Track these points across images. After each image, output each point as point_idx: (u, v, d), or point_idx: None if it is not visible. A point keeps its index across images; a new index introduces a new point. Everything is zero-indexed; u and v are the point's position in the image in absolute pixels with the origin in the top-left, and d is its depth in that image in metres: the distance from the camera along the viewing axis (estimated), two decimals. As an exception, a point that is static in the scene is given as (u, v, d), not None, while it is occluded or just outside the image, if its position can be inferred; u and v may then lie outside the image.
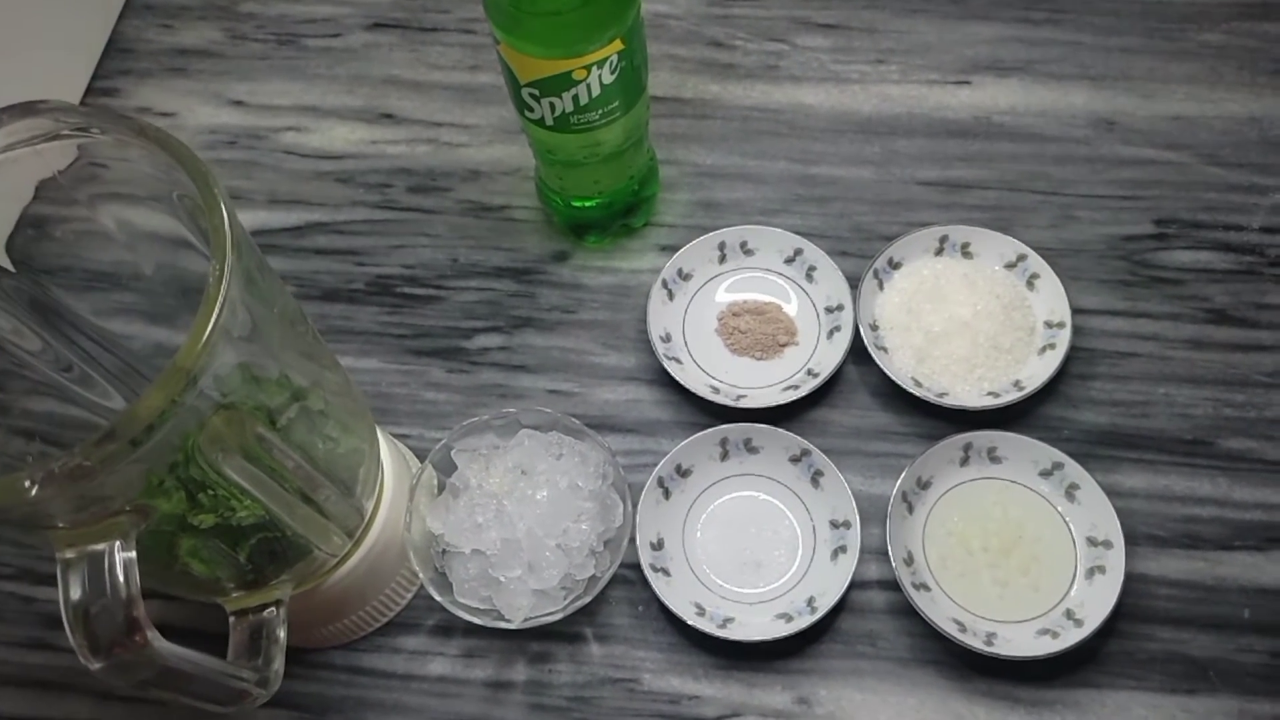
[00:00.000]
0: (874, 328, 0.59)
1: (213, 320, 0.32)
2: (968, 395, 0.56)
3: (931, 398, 0.56)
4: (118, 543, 0.33)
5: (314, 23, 0.74)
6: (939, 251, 0.60)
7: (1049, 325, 0.58)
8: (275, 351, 0.40)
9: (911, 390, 0.56)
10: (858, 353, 0.58)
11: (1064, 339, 0.57)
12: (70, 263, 0.47)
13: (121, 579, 0.33)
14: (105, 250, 0.46)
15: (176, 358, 0.32)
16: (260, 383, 0.39)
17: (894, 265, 0.60)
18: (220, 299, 0.32)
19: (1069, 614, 0.51)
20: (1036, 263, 0.59)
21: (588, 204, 0.61)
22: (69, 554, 0.33)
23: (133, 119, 0.35)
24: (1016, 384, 0.56)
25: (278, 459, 0.39)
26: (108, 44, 0.73)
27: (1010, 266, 0.60)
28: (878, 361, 0.57)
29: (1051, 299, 0.58)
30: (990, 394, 0.56)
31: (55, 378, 0.45)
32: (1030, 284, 0.59)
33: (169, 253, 0.43)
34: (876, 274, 0.60)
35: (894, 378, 0.56)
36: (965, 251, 0.60)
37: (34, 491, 0.30)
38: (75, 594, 0.33)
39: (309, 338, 0.45)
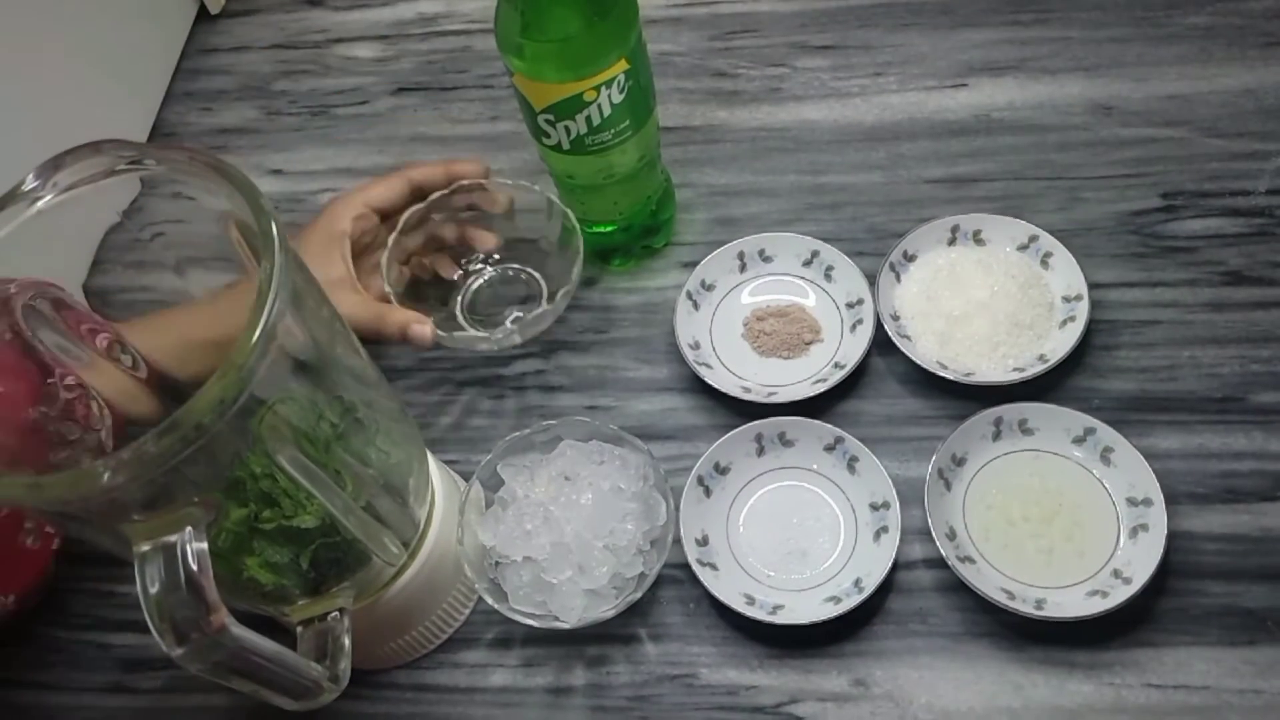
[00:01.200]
0: (895, 318, 0.60)
1: (264, 317, 0.35)
2: (993, 372, 0.58)
3: (958, 378, 0.57)
4: (189, 530, 0.35)
5: (342, 93, 0.79)
6: (952, 241, 0.62)
7: (1066, 299, 0.59)
8: (331, 371, 0.43)
9: (938, 372, 0.57)
10: (881, 344, 0.60)
11: (1083, 310, 0.58)
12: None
13: (195, 566, 0.35)
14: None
15: (231, 353, 0.34)
16: (317, 392, 0.42)
17: (909, 258, 0.62)
18: (272, 297, 0.35)
19: (1117, 573, 0.51)
20: (1049, 242, 0.61)
21: (609, 229, 0.64)
22: (145, 546, 0.35)
23: (182, 146, 0.38)
24: (1041, 358, 0.57)
25: (332, 456, 0.41)
26: (152, 130, 0.78)
27: (1023, 248, 0.61)
28: (902, 349, 0.58)
29: (1067, 274, 0.60)
30: (1016, 369, 0.57)
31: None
32: (1044, 262, 0.61)
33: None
34: (893, 267, 0.61)
35: (919, 363, 0.58)
36: (977, 238, 0.62)
37: (106, 478, 0.32)
38: (153, 585, 0.35)
39: (363, 362, 0.47)
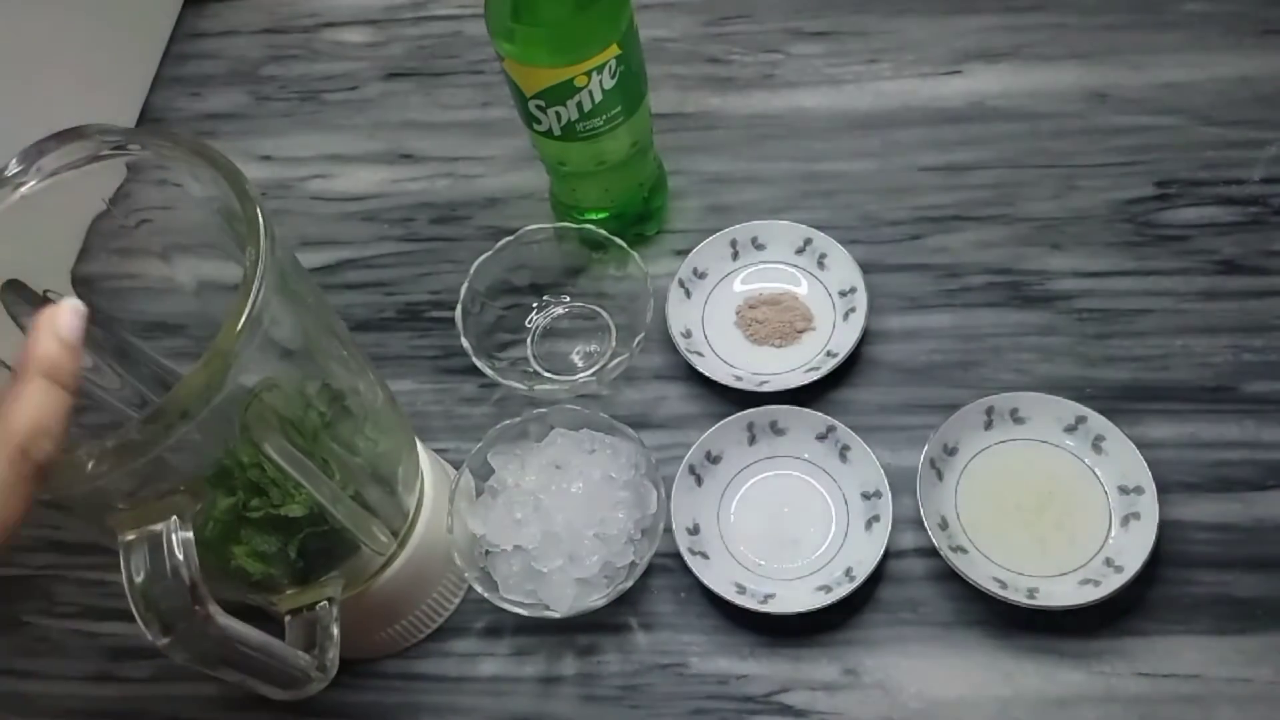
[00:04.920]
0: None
1: (249, 304, 0.34)
2: (986, 361, 0.57)
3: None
4: (174, 519, 0.35)
5: (332, 78, 0.78)
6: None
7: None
8: (318, 359, 0.43)
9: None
10: (874, 332, 0.60)
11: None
12: (143, 309, 0.50)
13: (180, 556, 0.35)
14: (177, 301, 0.49)
15: (216, 340, 0.34)
16: (304, 382, 0.42)
17: (902, 246, 0.62)
18: (257, 283, 0.35)
19: (1109, 562, 0.51)
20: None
21: (601, 216, 0.64)
22: (130, 535, 0.35)
23: (167, 131, 0.38)
24: (1033, 347, 0.57)
25: (320, 445, 0.41)
26: (140, 115, 0.77)
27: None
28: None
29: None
30: (1008, 358, 0.57)
31: (130, 413, 0.47)
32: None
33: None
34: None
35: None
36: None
37: (90, 466, 0.32)
38: (138, 575, 0.35)
39: (351, 350, 0.47)
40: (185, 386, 0.33)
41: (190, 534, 0.35)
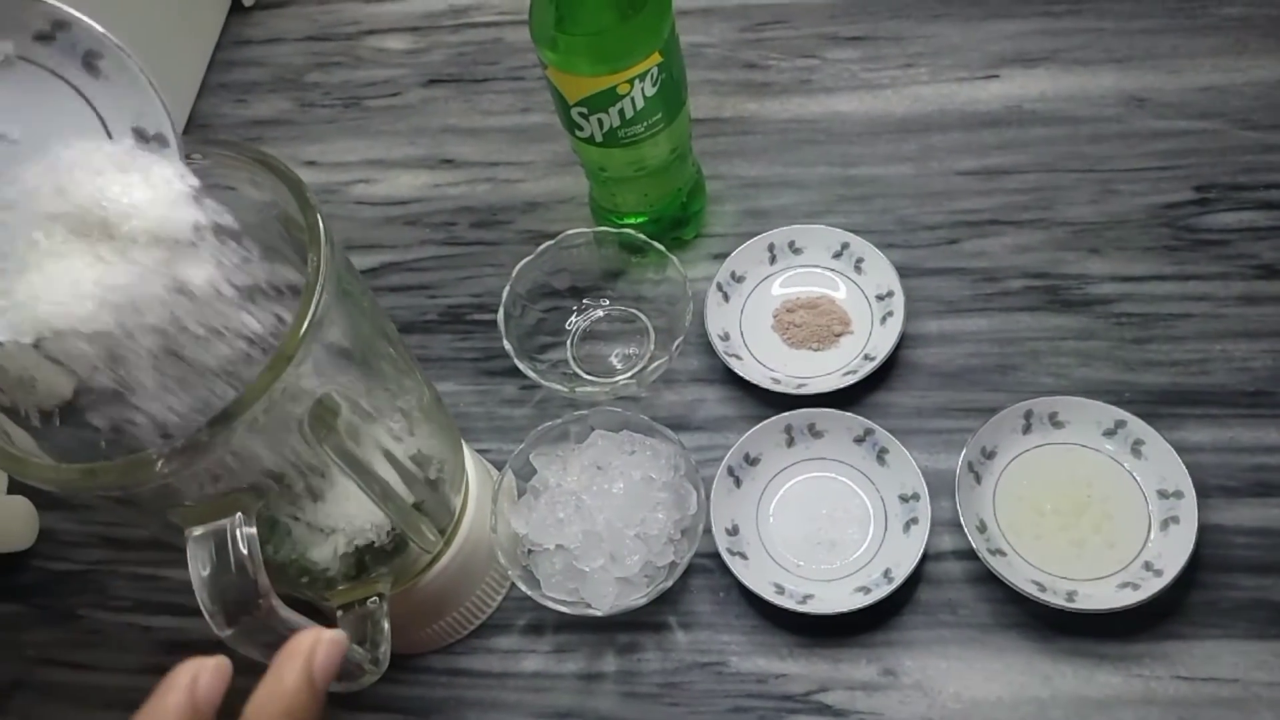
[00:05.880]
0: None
1: (311, 308, 0.36)
2: (1024, 365, 0.58)
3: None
4: (239, 515, 0.36)
5: (375, 85, 0.79)
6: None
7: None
8: (371, 360, 0.44)
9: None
10: (911, 336, 0.60)
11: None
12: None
13: (245, 550, 0.36)
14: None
15: (281, 344, 0.35)
16: (359, 382, 0.43)
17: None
18: (318, 288, 0.36)
19: (1148, 565, 0.52)
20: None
21: (640, 220, 0.64)
22: (197, 531, 0.36)
23: (228, 141, 0.39)
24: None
25: (373, 444, 0.42)
26: (188, 121, 0.79)
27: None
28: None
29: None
30: (1046, 362, 0.58)
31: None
32: (1075, 255, 0.61)
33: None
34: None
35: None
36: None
37: (160, 465, 0.33)
38: (205, 568, 0.36)
39: (400, 351, 0.48)
40: (252, 390, 0.34)
41: (254, 529, 0.36)
